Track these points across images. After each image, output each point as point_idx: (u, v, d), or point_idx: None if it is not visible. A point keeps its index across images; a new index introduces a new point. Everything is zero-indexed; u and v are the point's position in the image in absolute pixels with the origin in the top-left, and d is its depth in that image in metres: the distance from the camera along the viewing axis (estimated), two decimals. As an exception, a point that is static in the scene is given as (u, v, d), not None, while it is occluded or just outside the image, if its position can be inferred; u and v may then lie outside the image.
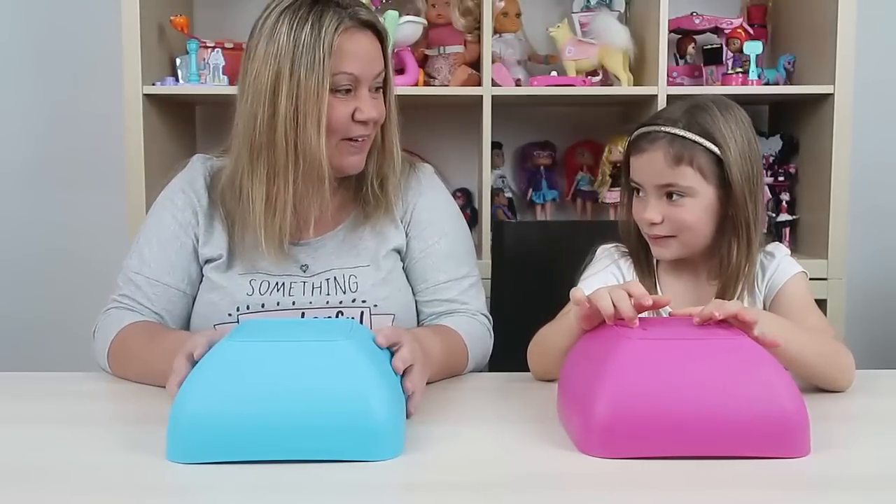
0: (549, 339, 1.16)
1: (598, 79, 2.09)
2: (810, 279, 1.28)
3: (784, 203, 2.16)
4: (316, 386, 0.85)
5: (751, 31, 2.14)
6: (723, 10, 2.26)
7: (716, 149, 1.18)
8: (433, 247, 1.32)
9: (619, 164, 1.95)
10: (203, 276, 1.29)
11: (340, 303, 1.26)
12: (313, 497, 0.79)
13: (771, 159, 2.18)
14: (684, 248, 1.23)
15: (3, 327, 2.33)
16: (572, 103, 2.27)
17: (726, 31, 2.13)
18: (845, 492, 0.81)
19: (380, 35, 1.25)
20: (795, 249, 2.13)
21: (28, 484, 0.82)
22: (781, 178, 2.17)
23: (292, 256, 1.28)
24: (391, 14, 1.91)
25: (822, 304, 1.95)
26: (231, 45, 2.04)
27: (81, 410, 1.07)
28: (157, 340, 1.17)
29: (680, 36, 2.23)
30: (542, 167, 2.29)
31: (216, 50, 1.99)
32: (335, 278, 1.27)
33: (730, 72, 2.07)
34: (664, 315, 1.14)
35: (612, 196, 2.11)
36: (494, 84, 2.00)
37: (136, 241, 1.31)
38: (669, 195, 1.20)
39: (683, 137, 1.18)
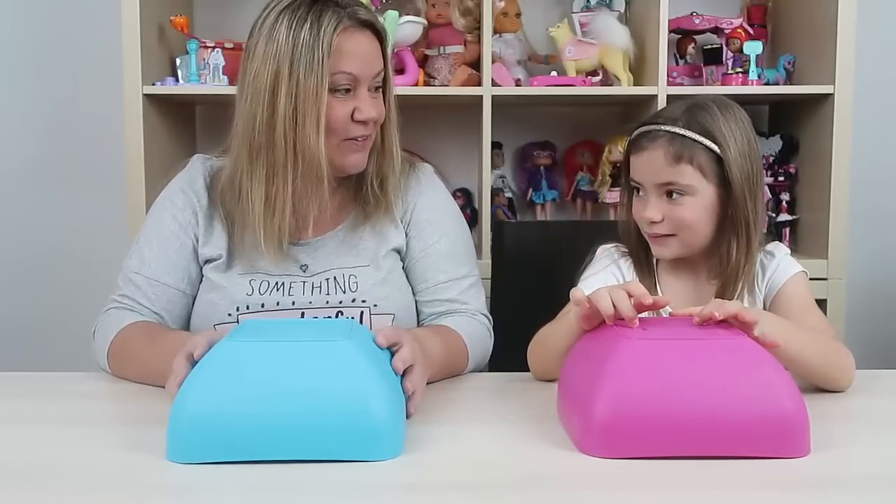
0: (549, 339, 1.16)
1: (598, 79, 2.09)
2: (810, 279, 1.28)
3: (784, 203, 2.16)
4: (316, 386, 0.85)
5: (751, 31, 2.14)
6: (723, 10, 2.26)
7: (716, 147, 1.18)
8: (433, 247, 1.32)
9: (619, 164, 1.95)
10: (203, 276, 1.29)
11: (340, 303, 1.26)
12: (313, 497, 0.79)
13: (771, 159, 2.18)
14: (684, 247, 1.23)
15: (3, 327, 2.33)
16: (572, 103, 2.27)
17: (726, 31, 2.13)
18: (845, 492, 0.80)
19: (379, 35, 1.25)
20: (795, 249, 2.13)
21: (28, 484, 0.82)
22: (781, 178, 2.17)
23: (292, 256, 1.28)
24: (391, 14, 1.91)
25: (822, 304, 1.95)
26: (231, 45, 2.04)
27: (81, 410, 1.07)
28: (157, 340, 1.17)
29: (680, 36, 2.23)
30: (542, 167, 2.29)
31: (216, 50, 1.99)
32: (335, 278, 1.27)
33: (730, 72, 2.07)
34: (664, 315, 1.14)
35: (612, 196, 2.11)
36: (494, 84, 2.00)
37: (135, 241, 1.31)
38: (669, 194, 1.20)
39: (683, 136, 1.18)
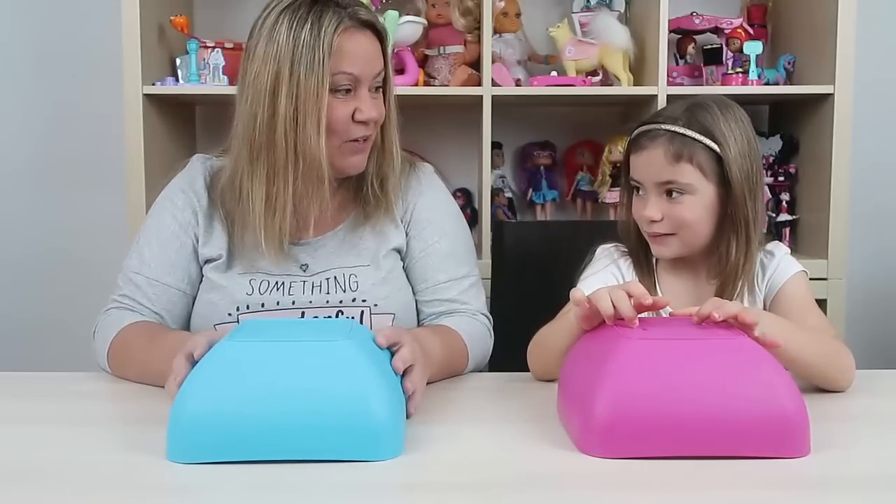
0: (549, 339, 1.16)
1: (598, 79, 2.09)
2: (810, 279, 1.28)
3: (784, 203, 2.16)
4: (316, 386, 0.85)
5: (751, 31, 2.14)
6: (723, 10, 2.26)
7: (716, 147, 1.18)
8: (433, 246, 1.32)
9: (619, 164, 1.95)
10: (203, 276, 1.29)
11: (340, 302, 1.26)
12: (313, 497, 0.79)
13: (771, 159, 2.18)
14: (684, 246, 1.23)
15: (3, 327, 2.33)
16: (572, 103, 2.27)
17: (726, 31, 2.13)
18: (845, 492, 0.81)
19: (379, 35, 1.25)
20: (795, 249, 2.13)
21: (28, 484, 0.82)
22: (781, 178, 2.17)
23: (292, 256, 1.28)
24: (391, 14, 1.91)
25: (822, 304, 1.95)
26: (231, 45, 2.04)
27: (81, 410, 1.07)
28: (157, 341, 1.18)
29: (680, 36, 2.23)
30: (542, 167, 2.29)
31: (216, 50, 1.99)
32: (335, 277, 1.27)
33: (730, 72, 2.07)
34: (664, 315, 1.14)
35: (612, 196, 2.11)
36: (494, 84, 2.00)
37: (136, 241, 1.31)
38: (669, 193, 1.20)
39: (683, 135, 1.18)
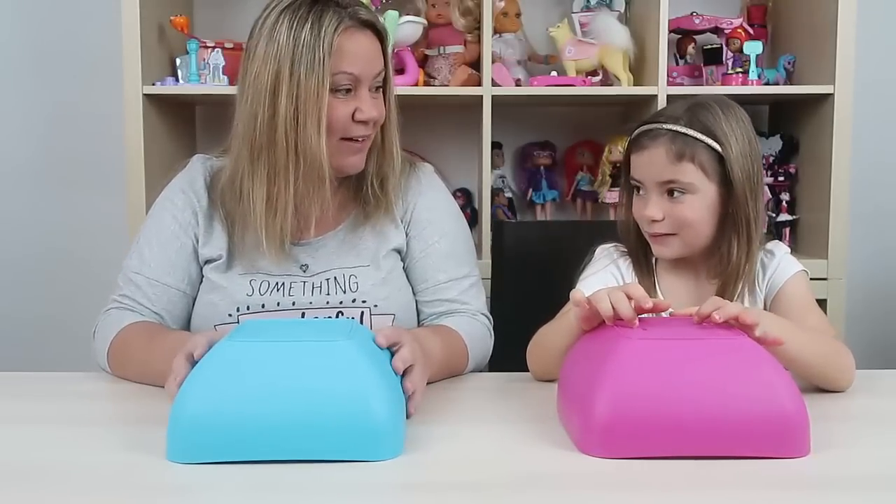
0: (549, 339, 1.16)
1: (598, 79, 2.09)
2: (810, 279, 1.28)
3: (784, 203, 2.16)
4: (316, 386, 0.85)
5: (751, 31, 2.14)
6: (723, 10, 2.26)
7: (717, 146, 1.18)
8: (433, 246, 1.32)
9: (619, 164, 1.95)
10: (203, 276, 1.29)
11: (340, 303, 1.26)
12: (313, 497, 0.79)
13: (771, 159, 2.18)
14: (685, 246, 1.23)
15: (3, 327, 2.33)
16: (572, 103, 2.27)
17: (726, 31, 2.13)
18: (845, 492, 0.81)
19: (380, 35, 1.25)
20: (795, 249, 2.13)
21: (28, 484, 0.82)
22: (781, 178, 2.17)
23: (293, 256, 1.28)
24: (391, 14, 1.91)
25: (822, 304, 1.95)
26: (231, 45, 2.04)
27: (81, 410, 1.07)
28: (157, 341, 1.17)
29: (680, 36, 2.23)
30: (542, 167, 2.29)
31: (216, 50, 1.99)
32: (335, 278, 1.27)
33: (730, 72, 2.07)
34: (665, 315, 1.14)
35: (612, 196, 2.11)
36: (494, 84, 2.00)
37: (136, 241, 1.31)
38: (670, 192, 1.20)
39: (685, 134, 1.18)
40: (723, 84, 2.06)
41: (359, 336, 0.92)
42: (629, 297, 0.96)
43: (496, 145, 2.22)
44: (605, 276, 1.28)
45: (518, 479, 0.83)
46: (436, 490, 0.81)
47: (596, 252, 1.33)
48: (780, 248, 1.28)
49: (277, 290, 1.26)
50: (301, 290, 1.26)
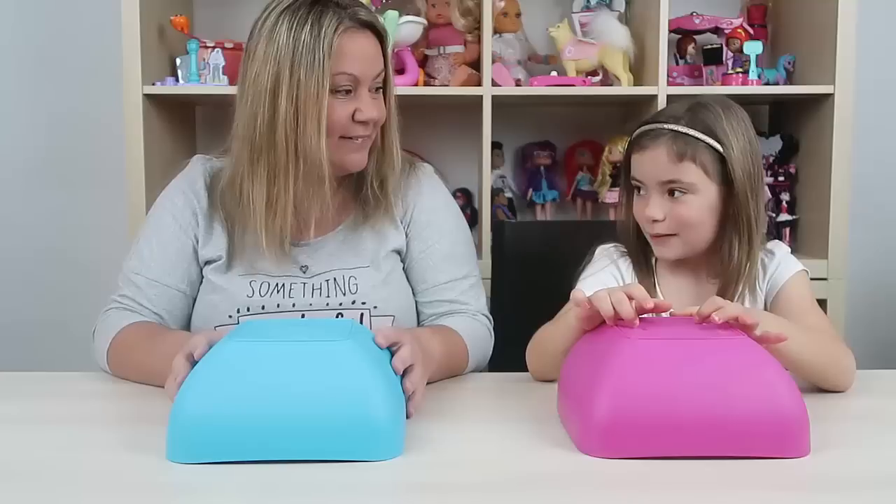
0: (548, 339, 1.16)
1: (598, 79, 2.09)
2: (810, 279, 1.28)
3: (784, 203, 2.16)
4: (316, 386, 0.85)
5: (751, 31, 2.14)
6: (723, 10, 2.26)
7: (718, 146, 1.18)
8: (433, 247, 1.32)
9: (619, 164, 1.95)
10: (203, 277, 1.29)
11: (340, 304, 1.26)
12: (313, 497, 0.79)
13: (771, 159, 2.18)
14: (687, 246, 1.23)
15: (2, 327, 2.33)
16: (572, 103, 2.27)
17: (726, 31, 2.13)
18: (845, 492, 0.80)
19: (379, 35, 1.25)
20: (795, 249, 2.12)
21: (28, 484, 0.82)
22: (781, 178, 2.17)
23: (292, 257, 1.28)
24: (391, 14, 1.91)
25: (822, 304, 1.94)
26: (231, 45, 2.04)
27: (81, 410, 1.07)
28: (157, 341, 1.17)
29: (680, 36, 2.23)
30: (542, 167, 2.29)
31: (216, 50, 1.99)
32: (335, 279, 1.27)
33: (730, 72, 2.07)
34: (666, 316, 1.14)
35: (612, 196, 2.11)
36: (494, 84, 2.00)
37: (135, 241, 1.31)
38: (672, 192, 1.20)
39: (686, 134, 1.18)
40: (723, 84, 2.06)
41: (359, 336, 0.92)
42: (630, 298, 0.96)
43: (496, 145, 2.22)
44: (604, 277, 1.28)
45: (518, 479, 0.83)
46: (436, 490, 0.81)
47: (596, 252, 1.33)
48: (781, 248, 1.28)
49: (277, 291, 1.26)
50: (301, 291, 1.26)
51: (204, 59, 1.99)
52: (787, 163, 2.18)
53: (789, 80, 2.14)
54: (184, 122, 2.23)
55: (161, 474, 0.84)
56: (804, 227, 2.16)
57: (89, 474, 0.84)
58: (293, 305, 1.25)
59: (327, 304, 1.26)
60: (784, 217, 2.16)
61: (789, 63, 2.14)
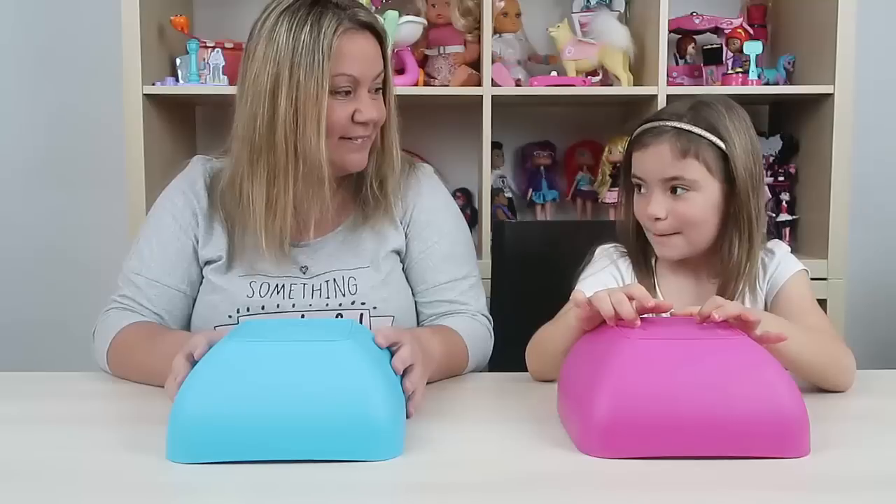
0: (548, 339, 1.16)
1: (598, 79, 2.09)
2: (811, 279, 1.28)
3: (784, 203, 2.16)
4: (316, 386, 0.85)
5: (751, 31, 2.14)
6: (723, 10, 2.26)
7: (721, 144, 1.18)
8: (433, 247, 1.32)
9: (619, 164, 1.95)
10: (203, 277, 1.29)
11: (340, 305, 1.26)
12: (313, 497, 0.79)
13: (771, 159, 2.18)
14: (689, 245, 1.22)
15: (2, 327, 2.33)
16: (572, 103, 2.27)
17: (726, 31, 2.13)
18: (845, 492, 0.80)
19: (379, 36, 1.25)
20: (795, 249, 2.11)
21: (28, 484, 0.82)
22: (781, 178, 2.17)
23: (292, 258, 1.28)
24: (391, 14, 1.91)
25: (822, 304, 1.94)
26: (231, 45, 2.04)
27: (81, 410, 1.07)
28: (157, 341, 1.17)
29: (680, 36, 2.23)
30: (542, 167, 2.29)
31: (216, 50, 1.99)
32: (334, 280, 1.27)
33: (730, 72, 2.07)
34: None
35: (612, 196, 2.11)
36: (494, 84, 2.00)
37: (136, 241, 1.31)
38: (674, 190, 1.20)
39: (689, 131, 1.19)
40: (723, 84, 2.06)
41: (359, 336, 0.92)
42: (630, 298, 0.96)
43: (496, 145, 2.22)
44: (604, 277, 1.27)
45: (518, 479, 0.83)
46: (436, 490, 0.81)
47: (596, 252, 1.33)
48: (781, 248, 1.28)
49: (277, 292, 1.26)
50: (301, 292, 1.26)
51: (204, 59, 1.99)
52: (787, 163, 2.18)
53: (789, 80, 2.14)
54: (184, 122, 2.23)
55: (161, 474, 0.84)
56: (804, 227, 2.16)
57: (89, 474, 0.84)
58: (293, 306, 1.25)
59: (327, 305, 1.26)
60: (784, 217, 2.16)
61: (789, 63, 2.14)
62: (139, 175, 1.93)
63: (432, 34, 2.12)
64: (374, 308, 1.26)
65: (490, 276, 1.68)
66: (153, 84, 1.96)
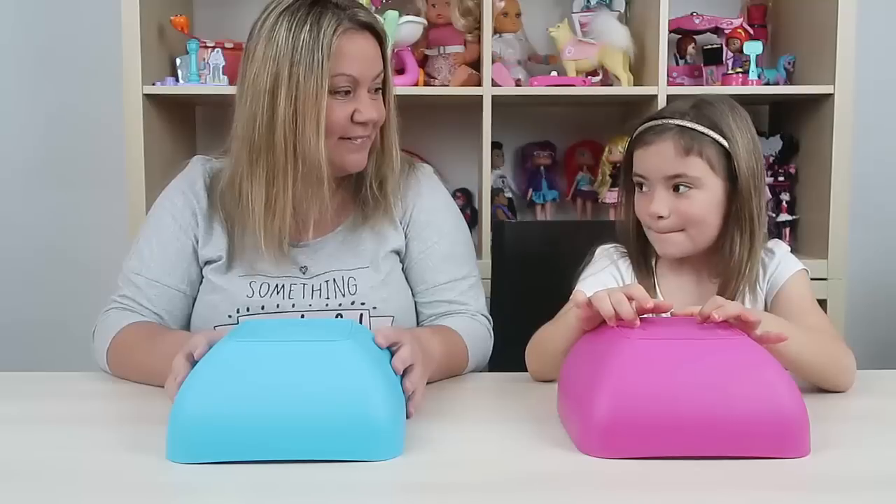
0: (548, 339, 1.16)
1: (598, 79, 2.09)
2: (811, 279, 1.28)
3: (784, 203, 2.16)
4: (316, 386, 0.85)
5: (751, 31, 2.14)
6: (723, 10, 2.26)
7: (724, 142, 1.18)
8: (433, 247, 1.32)
9: (619, 164, 1.95)
10: (203, 277, 1.29)
11: (340, 305, 1.26)
12: (313, 497, 0.79)
13: (771, 159, 2.18)
14: (691, 243, 1.22)
15: (2, 327, 2.33)
16: (572, 103, 2.27)
17: (726, 31, 2.13)
18: (845, 492, 0.81)
19: (378, 36, 1.25)
20: (795, 249, 2.11)
21: (28, 484, 0.82)
22: (781, 178, 2.17)
23: (291, 258, 1.28)
24: (391, 14, 1.91)
25: (822, 304, 1.94)
26: (231, 45, 2.04)
27: (81, 410, 1.07)
28: (157, 341, 1.17)
29: (680, 36, 2.23)
30: (542, 167, 2.29)
31: (216, 50, 1.99)
32: (334, 280, 1.27)
33: (730, 72, 2.07)
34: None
35: (612, 196, 2.11)
36: (494, 84, 2.00)
37: (135, 241, 1.31)
38: (676, 188, 1.20)
39: (692, 129, 1.19)
40: (723, 84, 2.06)
41: (359, 336, 0.92)
42: (630, 298, 0.96)
43: (496, 145, 2.22)
44: (604, 277, 1.27)
45: (518, 479, 0.83)
46: (435, 490, 0.81)
47: (596, 253, 1.33)
48: (781, 247, 1.28)
49: (277, 292, 1.26)
50: (301, 292, 1.26)
51: (204, 59, 1.99)
52: (787, 163, 2.18)
53: (789, 80, 2.14)
54: (184, 122, 2.23)
55: (161, 474, 0.84)
56: (804, 227, 2.16)
57: (89, 474, 0.84)
58: (293, 306, 1.25)
59: (327, 305, 1.26)
60: (784, 217, 2.16)
61: (789, 63, 2.14)
62: (139, 175, 1.93)
63: (432, 34, 2.12)
64: (374, 308, 1.26)
65: (490, 276, 1.68)
66: (153, 84, 1.96)
